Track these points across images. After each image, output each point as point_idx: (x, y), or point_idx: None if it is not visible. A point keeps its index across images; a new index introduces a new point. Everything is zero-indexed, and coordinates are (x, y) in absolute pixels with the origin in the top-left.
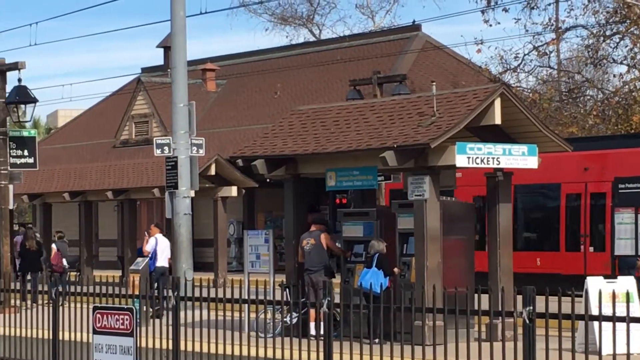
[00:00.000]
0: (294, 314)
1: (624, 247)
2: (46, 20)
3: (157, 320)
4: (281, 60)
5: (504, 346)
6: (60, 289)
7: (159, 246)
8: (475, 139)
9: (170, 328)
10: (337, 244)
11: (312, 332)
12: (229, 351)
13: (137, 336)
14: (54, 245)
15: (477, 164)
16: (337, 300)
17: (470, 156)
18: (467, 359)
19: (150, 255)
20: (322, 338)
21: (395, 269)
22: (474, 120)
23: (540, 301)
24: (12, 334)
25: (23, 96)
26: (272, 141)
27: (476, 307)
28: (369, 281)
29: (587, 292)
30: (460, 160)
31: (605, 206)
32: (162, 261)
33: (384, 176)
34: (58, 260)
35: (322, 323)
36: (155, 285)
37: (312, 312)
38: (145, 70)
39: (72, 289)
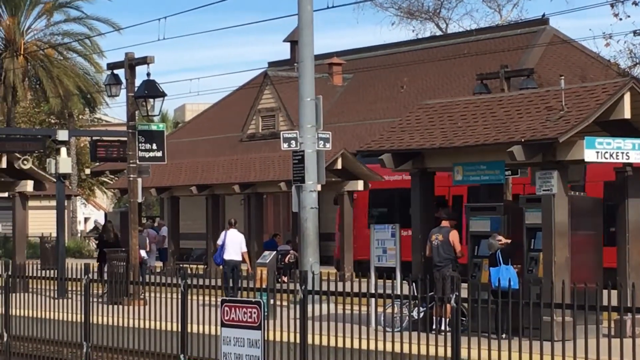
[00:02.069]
0: (421, 309)
1: None
2: (175, 15)
3: (284, 314)
4: (407, 55)
5: (634, 342)
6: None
7: (227, 240)
8: (604, 134)
9: (298, 321)
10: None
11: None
12: (356, 345)
13: (264, 329)
14: None
15: (606, 158)
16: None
17: (599, 151)
18: (597, 355)
19: (219, 249)
20: (450, 332)
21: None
22: (602, 115)
23: None
24: (142, 326)
25: (152, 90)
26: (399, 135)
27: (605, 303)
28: (506, 279)
29: None
30: (589, 155)
31: None
32: (232, 255)
33: (511, 171)
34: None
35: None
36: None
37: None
38: (271, 64)
39: (200, 282)
